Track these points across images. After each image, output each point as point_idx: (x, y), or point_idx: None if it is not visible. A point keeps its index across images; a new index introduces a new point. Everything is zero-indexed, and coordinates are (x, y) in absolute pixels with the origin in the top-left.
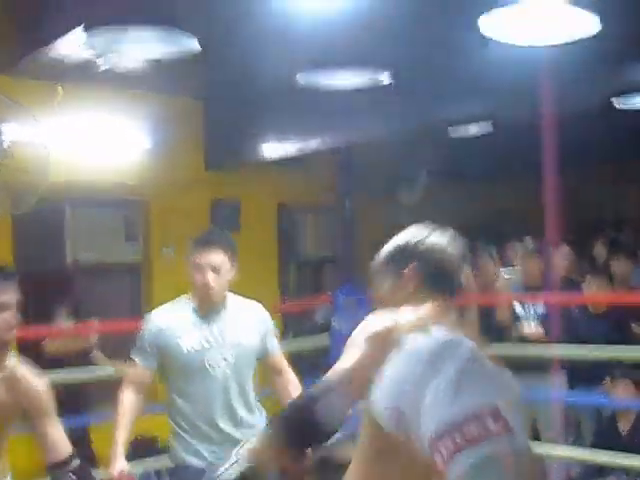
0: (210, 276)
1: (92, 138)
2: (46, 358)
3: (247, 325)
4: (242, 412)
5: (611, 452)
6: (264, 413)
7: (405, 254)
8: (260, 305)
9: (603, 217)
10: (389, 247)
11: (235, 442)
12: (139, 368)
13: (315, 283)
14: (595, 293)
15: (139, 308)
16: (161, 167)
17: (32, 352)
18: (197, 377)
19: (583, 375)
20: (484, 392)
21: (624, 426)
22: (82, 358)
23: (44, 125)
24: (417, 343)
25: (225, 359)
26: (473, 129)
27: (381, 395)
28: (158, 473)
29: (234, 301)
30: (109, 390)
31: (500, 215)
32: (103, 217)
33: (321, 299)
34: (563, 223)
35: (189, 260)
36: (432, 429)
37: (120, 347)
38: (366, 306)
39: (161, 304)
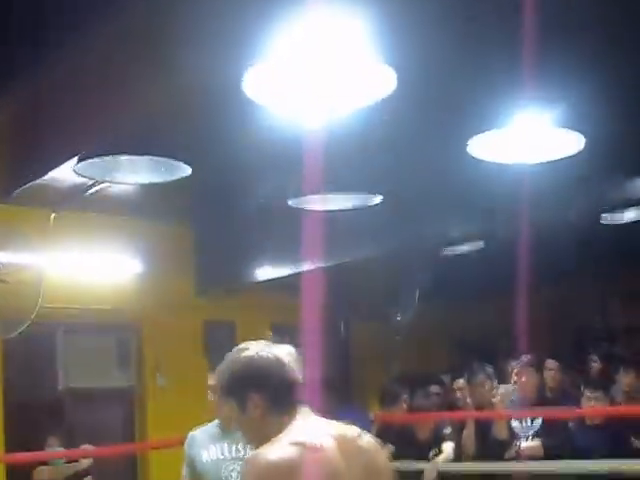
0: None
1: (84, 263)
2: None
3: None
4: None
5: None
6: None
7: (244, 383)
8: None
9: (596, 329)
10: (226, 375)
11: None
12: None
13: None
14: (592, 407)
15: (132, 434)
16: (152, 292)
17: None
18: None
19: None
20: None
21: None
22: None
23: (38, 250)
24: None
25: (239, 472)
26: (465, 247)
27: None
28: None
29: None
30: None
31: (495, 331)
32: (95, 342)
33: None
34: (557, 337)
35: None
36: None
37: (114, 476)
38: (366, 426)
39: (155, 429)
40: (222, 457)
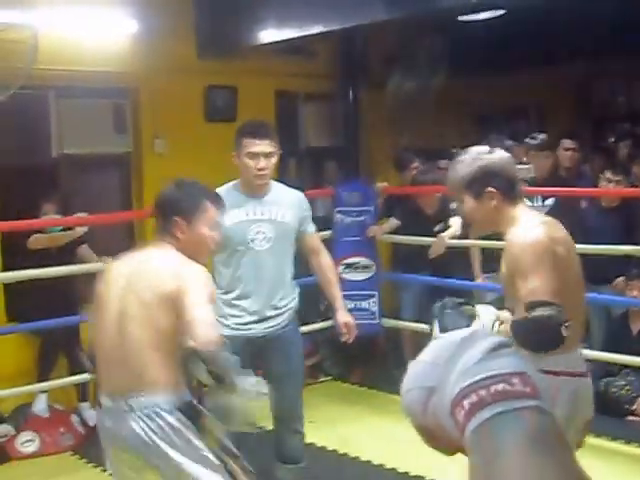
0: (262, 162)
1: (78, 22)
2: (32, 254)
3: (286, 206)
4: (276, 288)
5: (622, 353)
6: (296, 295)
7: (484, 177)
8: (300, 192)
9: (617, 111)
10: (463, 171)
11: (263, 318)
12: None
13: (316, 176)
14: (609, 188)
15: (129, 202)
16: (151, 53)
17: (18, 248)
18: (238, 249)
19: (591, 273)
20: (514, 364)
21: (636, 326)
22: (69, 254)
23: (31, 7)
24: (451, 333)
25: (264, 233)
26: (486, 14)
27: (408, 382)
28: None
29: (277, 187)
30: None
31: (514, 107)
32: (90, 107)
33: (322, 192)
34: (578, 116)
35: (239, 149)
36: (457, 391)
37: (109, 243)
38: (370, 199)
39: (152, 196)
40: (246, 219)
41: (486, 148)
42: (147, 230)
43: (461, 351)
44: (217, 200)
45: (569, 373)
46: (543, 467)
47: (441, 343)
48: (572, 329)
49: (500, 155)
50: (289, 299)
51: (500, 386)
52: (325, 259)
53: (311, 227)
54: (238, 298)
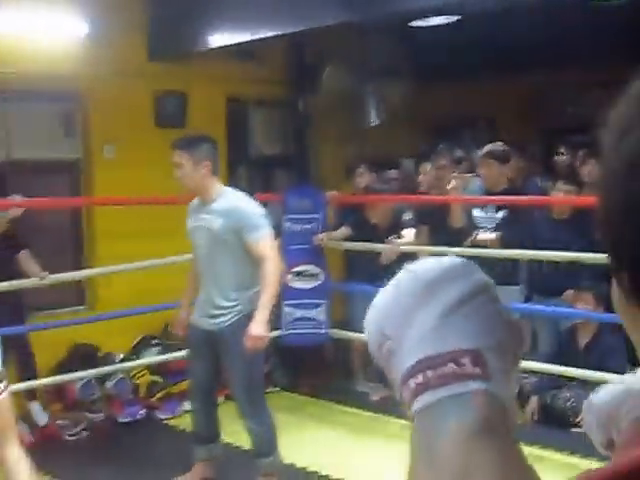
0: (177, 173)
1: (26, 26)
2: None
3: (218, 214)
4: (215, 290)
5: (568, 366)
6: (246, 300)
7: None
8: (247, 201)
9: (567, 123)
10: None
11: (209, 315)
12: None
13: (266, 183)
14: (561, 197)
15: (79, 209)
16: (101, 57)
17: None
18: (196, 251)
19: (540, 286)
20: (472, 333)
21: (583, 339)
22: (9, 261)
23: None
24: (424, 263)
25: (202, 239)
26: (439, 19)
27: (370, 316)
28: (99, 381)
29: (224, 195)
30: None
31: (466, 117)
32: (39, 111)
33: (270, 197)
34: (527, 127)
35: None
36: (408, 365)
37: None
38: (319, 207)
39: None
40: (193, 225)
41: None
42: (97, 238)
43: (422, 303)
44: None
45: None
46: (485, 454)
47: (407, 283)
48: None
49: None
50: (232, 302)
51: (448, 367)
52: (264, 267)
53: (252, 236)
54: (201, 293)
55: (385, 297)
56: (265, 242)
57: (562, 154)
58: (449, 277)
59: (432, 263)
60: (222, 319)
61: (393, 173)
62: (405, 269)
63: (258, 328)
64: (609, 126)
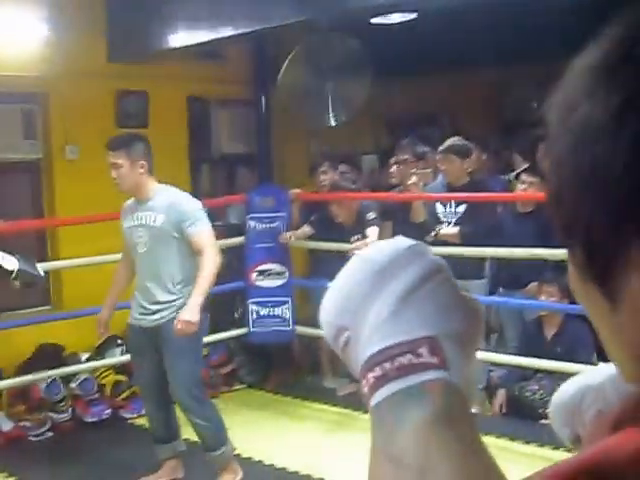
0: (113, 172)
1: None
2: None
3: (158, 210)
4: (155, 286)
5: (535, 357)
6: (185, 295)
7: None
8: (185, 196)
9: (528, 117)
10: None
11: (148, 312)
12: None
13: (229, 182)
14: (525, 191)
15: (40, 210)
16: (61, 57)
17: None
18: (133, 250)
19: (505, 279)
20: (428, 319)
21: (549, 331)
22: None
23: None
24: (376, 249)
25: (141, 237)
26: (396, 16)
27: (324, 307)
28: (64, 381)
29: (160, 192)
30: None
31: (427, 113)
32: None
33: (235, 199)
34: (487, 122)
35: None
36: (366, 356)
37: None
38: (283, 205)
39: (64, 204)
40: (132, 224)
41: None
42: (60, 240)
43: (376, 290)
44: None
45: None
46: (444, 445)
47: (359, 270)
48: None
49: None
50: (173, 296)
51: (405, 358)
52: (202, 257)
53: (192, 228)
54: (136, 293)
55: (338, 287)
56: (204, 234)
57: (525, 147)
58: (401, 261)
59: (382, 248)
60: (162, 314)
61: (343, 167)
62: (356, 256)
63: (190, 313)
64: (554, 107)
